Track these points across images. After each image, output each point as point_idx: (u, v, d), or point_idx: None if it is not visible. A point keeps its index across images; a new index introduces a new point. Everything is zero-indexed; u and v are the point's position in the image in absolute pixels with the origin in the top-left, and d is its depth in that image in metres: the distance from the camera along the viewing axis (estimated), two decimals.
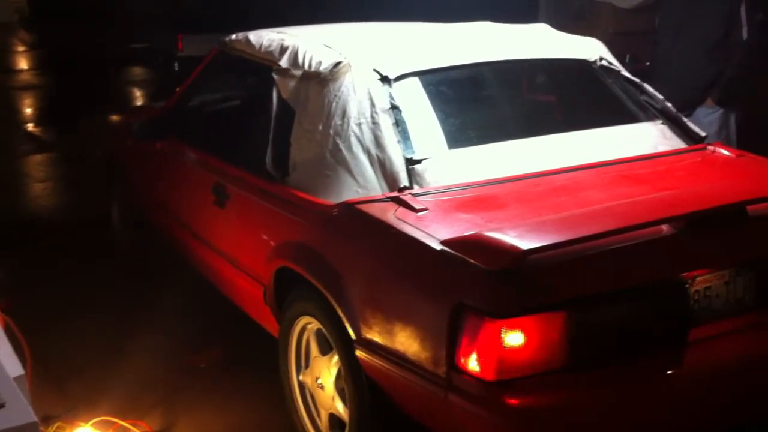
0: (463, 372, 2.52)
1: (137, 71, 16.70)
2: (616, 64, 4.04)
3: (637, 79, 4.00)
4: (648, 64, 5.76)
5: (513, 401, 2.45)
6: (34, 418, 2.12)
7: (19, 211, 7.53)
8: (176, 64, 12.96)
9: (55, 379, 4.24)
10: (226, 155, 4.11)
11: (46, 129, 11.30)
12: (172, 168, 4.70)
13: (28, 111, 13.05)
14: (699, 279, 2.73)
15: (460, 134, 3.47)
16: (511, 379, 2.48)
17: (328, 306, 3.07)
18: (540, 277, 2.52)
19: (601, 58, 3.98)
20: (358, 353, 2.93)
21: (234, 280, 4.04)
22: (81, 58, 16.29)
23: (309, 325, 3.37)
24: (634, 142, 3.63)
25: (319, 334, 3.32)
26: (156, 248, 5.44)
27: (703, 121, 5.29)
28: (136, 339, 4.74)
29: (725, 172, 3.52)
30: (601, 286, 2.59)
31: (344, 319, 2.98)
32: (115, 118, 10.80)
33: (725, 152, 3.71)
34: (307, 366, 3.48)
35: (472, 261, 2.52)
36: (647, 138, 3.70)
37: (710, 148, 3.75)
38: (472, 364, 2.50)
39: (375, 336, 2.85)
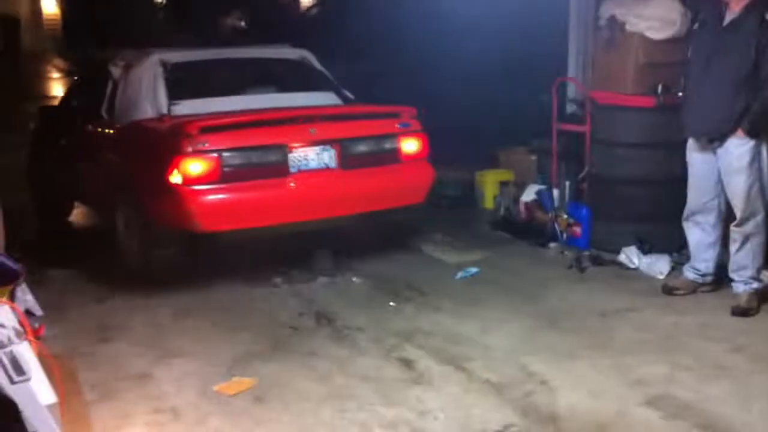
0: (176, 183, 5.63)
1: None
2: (315, 63, 7.22)
3: (324, 71, 7.21)
4: (680, 94, 5.75)
5: (196, 194, 5.63)
6: None
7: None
8: None
9: (86, 404, 4.27)
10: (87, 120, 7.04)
11: None
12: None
13: None
14: (296, 147, 5.94)
15: (199, 92, 6.51)
16: (195, 185, 5.62)
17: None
18: (208, 139, 5.65)
19: (303, 58, 7.23)
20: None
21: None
22: None
23: None
24: (311, 99, 6.74)
25: None
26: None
27: (734, 153, 5.26)
28: (165, 365, 4.79)
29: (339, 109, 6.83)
30: (239, 144, 5.78)
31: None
32: None
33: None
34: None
35: (179, 135, 5.66)
36: (319, 98, 6.80)
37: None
38: (177, 179, 5.62)
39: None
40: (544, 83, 7.57)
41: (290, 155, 5.89)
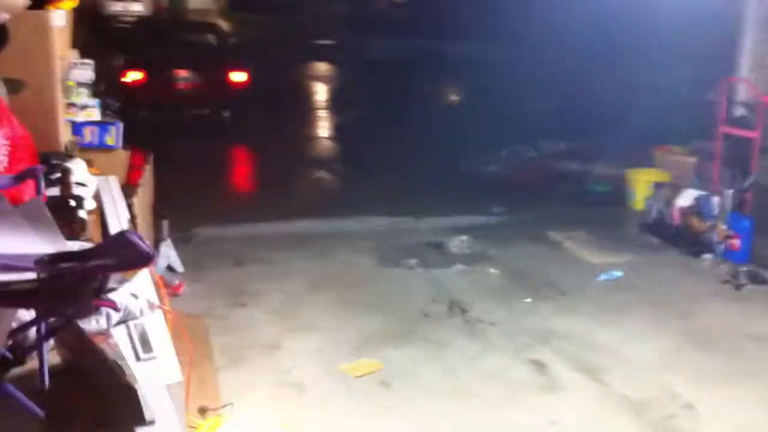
0: None
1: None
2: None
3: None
4: None
5: None
6: None
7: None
8: None
9: (215, 370, 4.33)
10: None
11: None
12: None
13: None
14: None
15: None
16: None
17: None
18: None
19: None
20: None
21: None
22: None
23: None
24: None
25: None
26: None
27: None
28: (295, 337, 4.79)
29: None
30: None
31: None
32: None
33: None
34: None
35: None
36: None
37: None
38: None
39: None
40: (711, 82, 7.08)
41: None
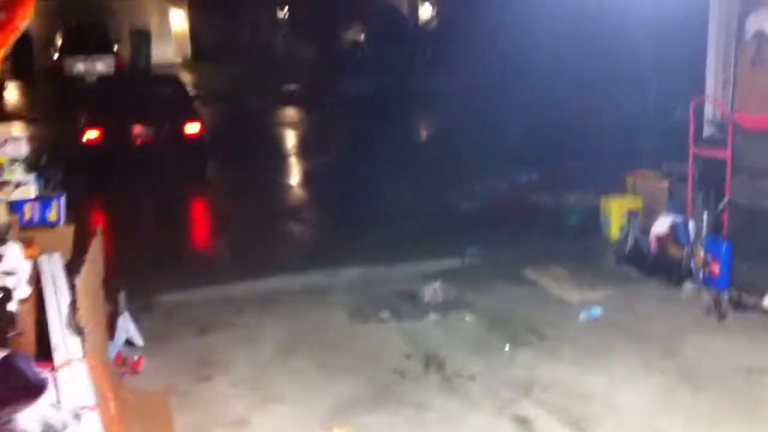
0: None
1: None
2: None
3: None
4: None
5: None
6: None
7: None
8: None
9: None
10: None
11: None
12: None
13: None
14: None
15: None
16: None
17: None
18: None
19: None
20: None
21: None
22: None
23: None
24: None
25: None
26: None
27: None
28: (264, 411, 4.52)
29: None
30: None
31: None
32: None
33: None
34: None
35: None
36: None
37: None
38: None
39: None
40: (677, 101, 6.94)
41: None
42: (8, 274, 3.22)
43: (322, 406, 4.54)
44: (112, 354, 5.00)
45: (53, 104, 18.08)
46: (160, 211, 9.46)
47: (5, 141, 4.12)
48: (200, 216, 10.26)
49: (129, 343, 5.44)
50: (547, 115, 11.49)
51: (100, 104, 11.51)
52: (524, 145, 10.64)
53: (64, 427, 2.21)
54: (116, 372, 4.86)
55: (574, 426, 4.21)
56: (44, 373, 2.13)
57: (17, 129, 4.31)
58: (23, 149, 4.23)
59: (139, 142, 10.82)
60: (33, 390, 2.02)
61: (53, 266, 4.07)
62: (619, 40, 10.88)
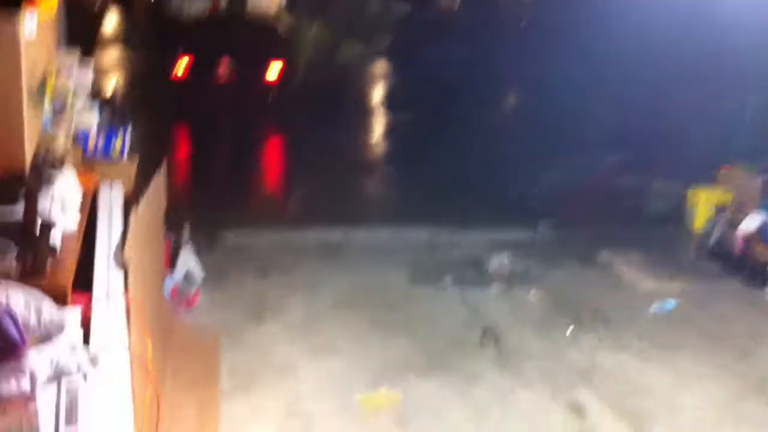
0: None
1: None
2: None
3: None
4: None
5: None
6: None
7: None
8: None
9: (220, 395, 3.98)
10: None
11: None
12: None
13: None
14: None
15: None
16: None
17: None
18: None
19: None
20: None
21: None
22: None
23: None
24: None
25: None
26: None
27: None
28: (313, 360, 4.43)
29: None
30: None
31: None
32: None
33: None
34: None
35: None
36: None
37: None
38: None
39: None
40: None
41: None
42: (57, 201, 3.12)
43: (372, 365, 4.43)
44: (170, 287, 4.97)
45: (148, 41, 18.33)
46: (235, 151, 9.46)
47: (72, 68, 4.00)
48: (273, 160, 10.22)
49: (188, 276, 5.42)
50: (640, 100, 11.03)
51: (191, 43, 11.78)
52: (614, 128, 10.22)
53: (79, 369, 2.10)
54: (171, 306, 4.83)
55: (628, 420, 3.99)
56: (20, 335, 1.99)
57: (83, 57, 4.07)
58: (89, 77, 4.10)
59: (224, 81, 11.01)
60: (7, 349, 1.91)
61: (112, 197, 3.99)
62: (724, 33, 10.32)
